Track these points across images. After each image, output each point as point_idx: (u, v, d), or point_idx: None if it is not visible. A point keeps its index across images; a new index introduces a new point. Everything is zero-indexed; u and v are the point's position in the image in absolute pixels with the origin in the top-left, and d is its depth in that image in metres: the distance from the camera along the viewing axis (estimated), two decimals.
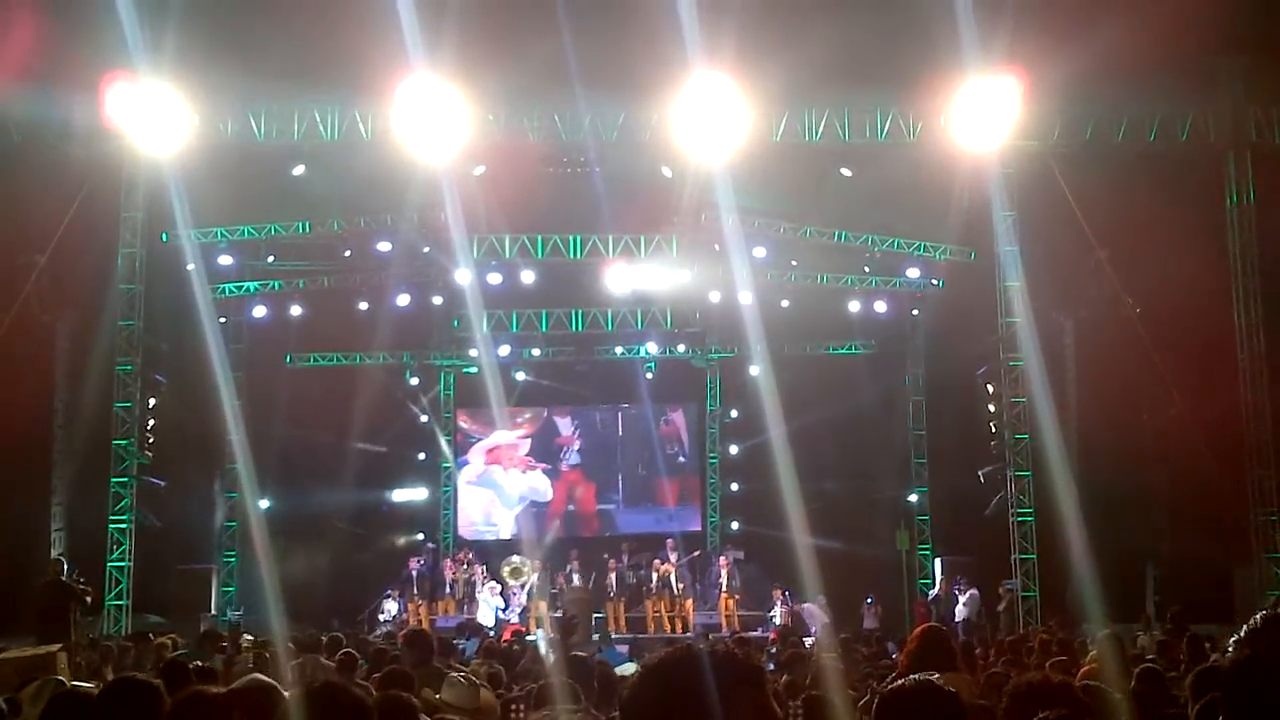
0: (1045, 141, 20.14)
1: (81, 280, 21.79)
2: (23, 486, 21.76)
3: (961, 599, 22.73)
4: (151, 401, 22.68)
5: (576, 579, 25.26)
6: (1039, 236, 21.14)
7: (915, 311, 27.90)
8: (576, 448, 30.67)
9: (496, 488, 30.28)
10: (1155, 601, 20.49)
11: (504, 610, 24.97)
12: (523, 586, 25.47)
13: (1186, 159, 20.48)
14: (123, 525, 19.82)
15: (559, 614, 21.63)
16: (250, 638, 16.08)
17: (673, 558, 26.08)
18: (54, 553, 21.84)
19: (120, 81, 17.94)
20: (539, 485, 30.40)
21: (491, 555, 27.03)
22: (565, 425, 30.77)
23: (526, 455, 30.53)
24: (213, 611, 24.27)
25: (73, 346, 23.00)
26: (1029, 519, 20.56)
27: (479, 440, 30.59)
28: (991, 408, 23.54)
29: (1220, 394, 20.15)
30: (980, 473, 23.87)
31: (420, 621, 23.48)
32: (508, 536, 29.57)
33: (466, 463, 30.45)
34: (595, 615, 24.46)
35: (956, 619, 22.42)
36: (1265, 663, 3.20)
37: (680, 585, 25.56)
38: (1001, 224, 20.83)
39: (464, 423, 30.55)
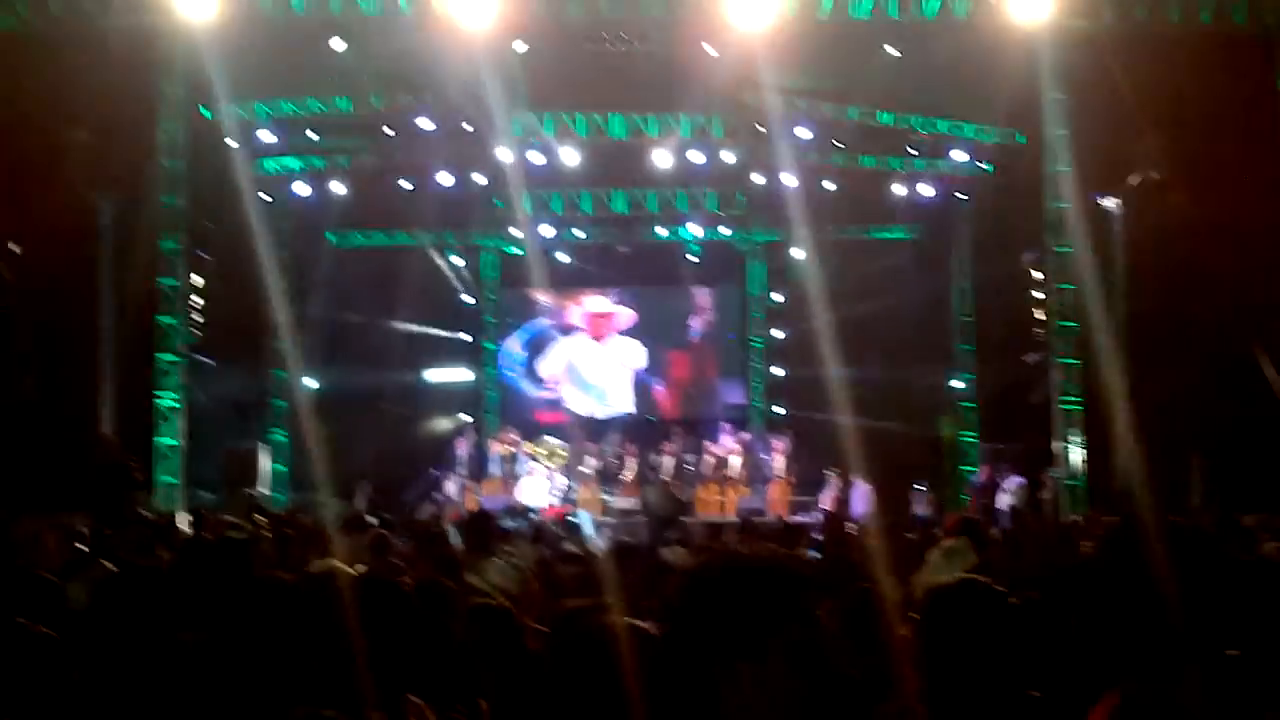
0: (1096, 21, 19.65)
1: (123, 157, 21.74)
2: (70, 365, 21.94)
3: (1007, 487, 22.63)
4: (197, 279, 22.74)
5: (668, 462, 25.40)
6: (1089, 119, 20.71)
7: (961, 195, 27.46)
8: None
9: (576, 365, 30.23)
10: (1203, 491, 20.35)
11: (551, 491, 25.16)
12: (571, 467, 25.60)
13: (1241, 40, 19.93)
14: (171, 402, 19.97)
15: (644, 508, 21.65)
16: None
17: (724, 441, 26.14)
18: (104, 429, 22.11)
19: None
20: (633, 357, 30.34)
21: (537, 434, 27.13)
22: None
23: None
24: (261, 489, 24.54)
25: (116, 224, 23.01)
26: (1076, 407, 20.41)
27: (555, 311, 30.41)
28: (1039, 294, 23.25)
29: (1273, 281, 19.83)
30: (1027, 359, 23.67)
31: (474, 504, 23.74)
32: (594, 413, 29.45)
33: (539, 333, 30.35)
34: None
35: (1000, 506, 22.38)
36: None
37: (739, 469, 25.62)
38: (1051, 106, 20.43)
39: (542, 296, 30.18)
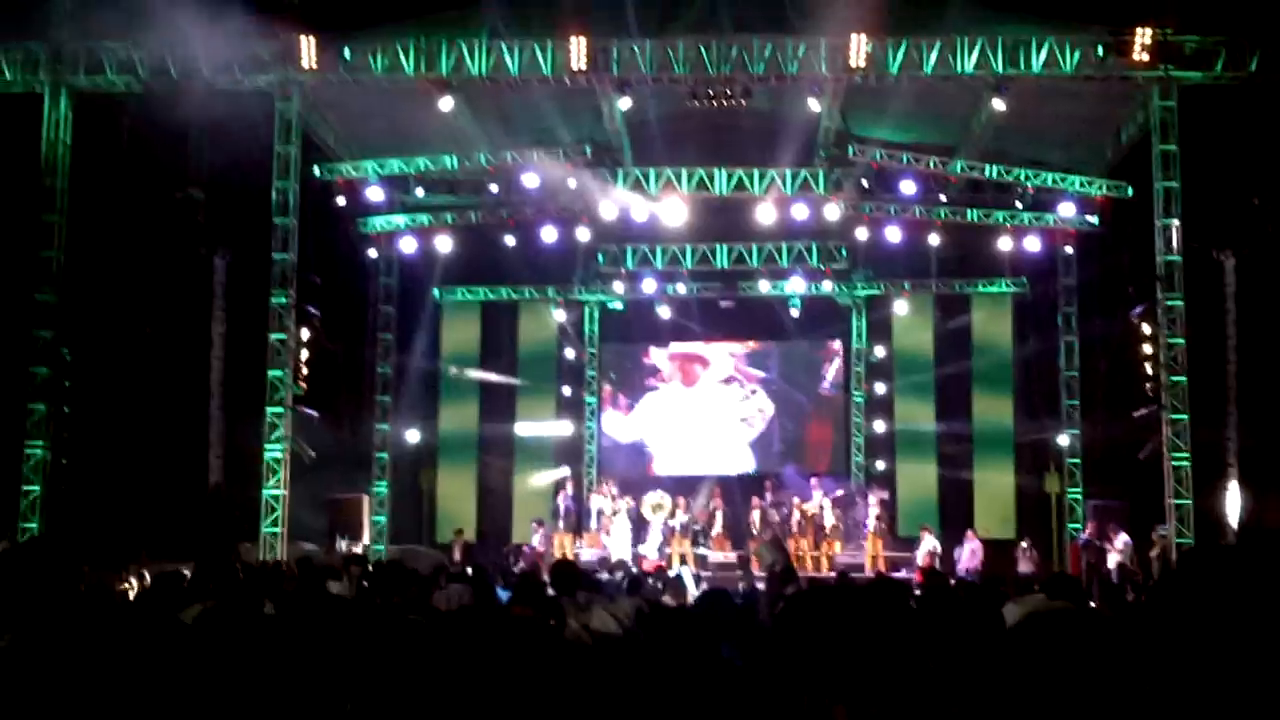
0: (1207, 72, 19.45)
1: (237, 214, 22.31)
2: (181, 416, 22.46)
3: (1115, 544, 22.18)
4: (305, 333, 23.16)
5: (757, 519, 25.36)
6: (1199, 172, 20.43)
7: (1068, 248, 27.14)
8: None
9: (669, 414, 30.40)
10: None
11: (638, 544, 25.13)
12: (667, 521, 25.55)
13: None
14: (277, 454, 20.31)
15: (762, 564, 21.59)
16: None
17: (816, 495, 25.96)
18: (212, 479, 22.57)
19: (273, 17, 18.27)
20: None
21: (638, 489, 27.15)
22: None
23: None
24: (365, 540, 24.86)
25: (229, 279, 23.59)
26: (1185, 463, 19.98)
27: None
28: (1147, 349, 22.86)
29: None
30: (1136, 415, 23.27)
31: (564, 554, 23.82)
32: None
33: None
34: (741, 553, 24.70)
35: (1108, 565, 21.94)
36: None
37: (833, 524, 25.41)
38: (1160, 158, 20.20)
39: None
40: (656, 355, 30.47)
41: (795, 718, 2.28)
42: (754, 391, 30.25)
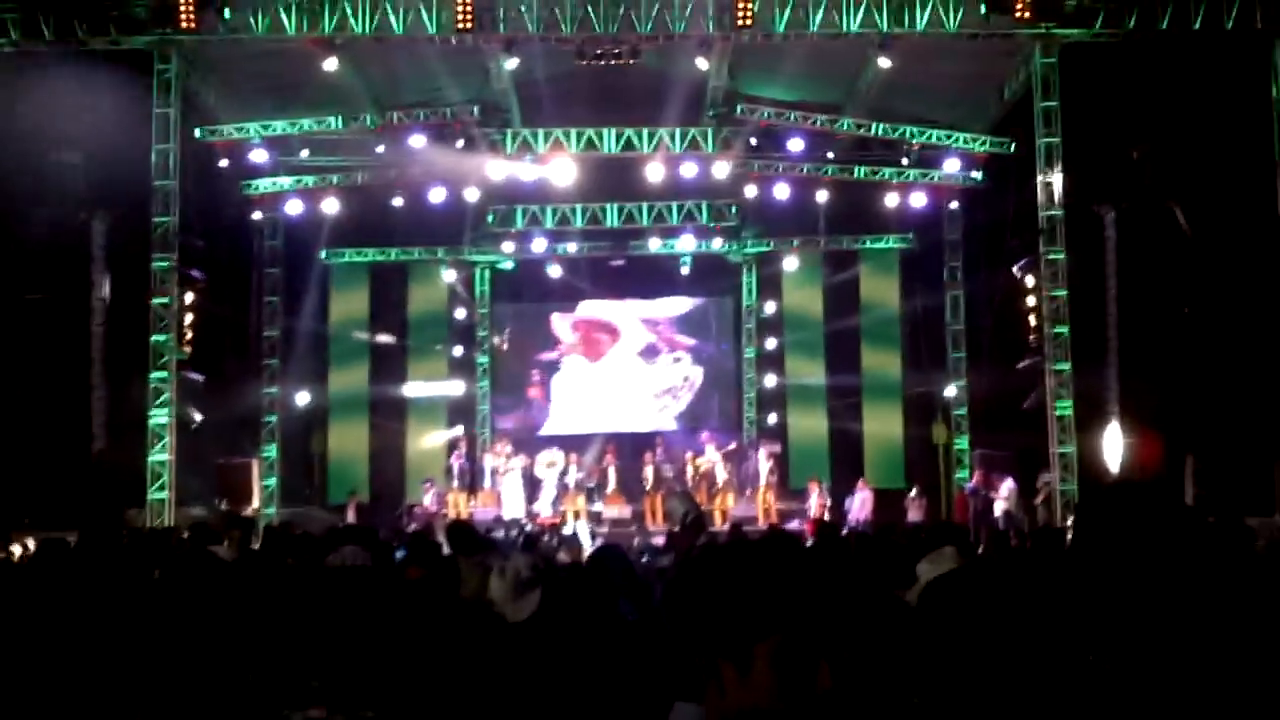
0: (1088, 29, 19.79)
1: (117, 178, 21.80)
2: (63, 384, 21.99)
3: (1000, 492, 22.67)
4: (189, 297, 22.78)
5: (650, 471, 25.58)
6: (1080, 128, 20.82)
7: (954, 204, 27.56)
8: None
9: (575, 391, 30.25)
10: (1195, 495, 20.40)
11: (532, 503, 25.17)
12: (560, 477, 25.60)
13: (1232, 47, 20.04)
14: (162, 420, 20.00)
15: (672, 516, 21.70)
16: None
17: (709, 450, 26.18)
18: (96, 445, 22.16)
19: None
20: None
21: (531, 447, 27.15)
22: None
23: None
24: (254, 504, 24.59)
25: (109, 244, 23.08)
26: (1068, 412, 20.45)
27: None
28: (1031, 301, 23.33)
29: (1263, 288, 19.94)
30: (1019, 366, 23.77)
31: (459, 513, 23.77)
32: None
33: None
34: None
35: (995, 512, 22.43)
36: None
37: (725, 478, 25.63)
38: (1041, 114, 20.57)
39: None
40: (558, 324, 30.22)
41: (691, 673, 2.30)
42: (678, 359, 30.27)
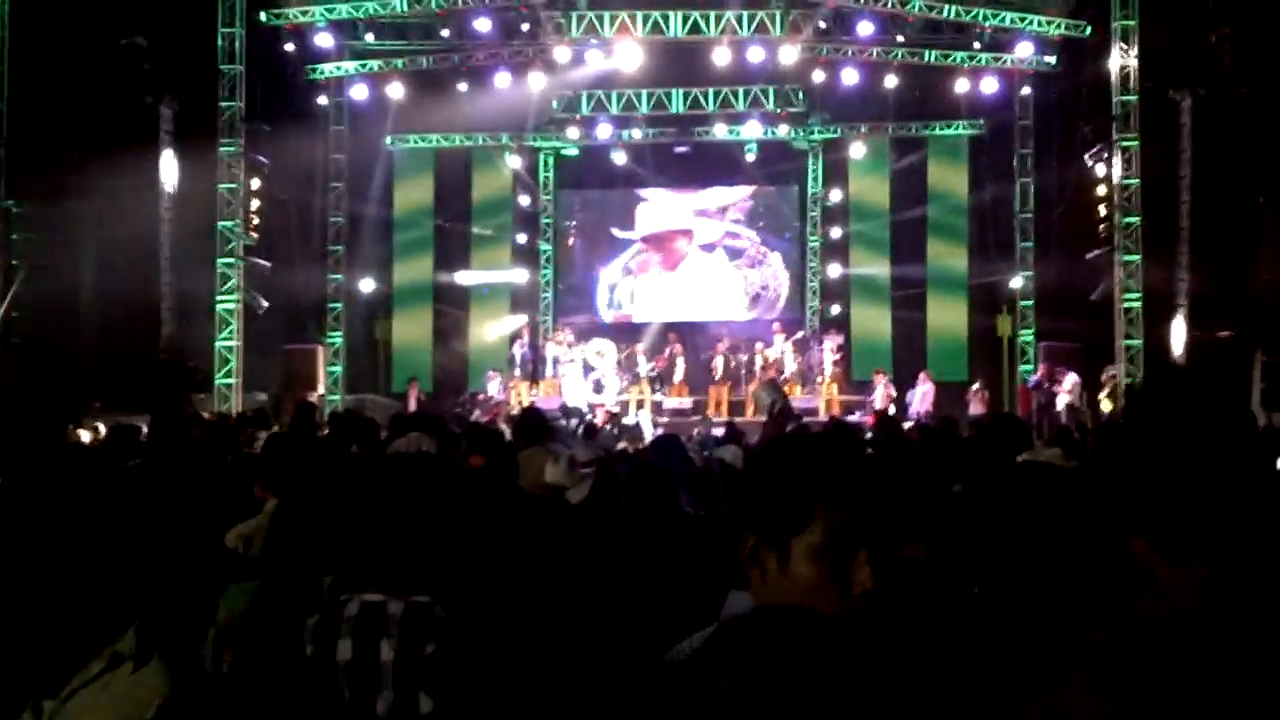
0: None
1: (183, 62, 21.83)
2: (131, 268, 22.25)
3: (1064, 386, 22.46)
4: (255, 183, 22.87)
5: (719, 361, 25.73)
6: (1156, 11, 20.28)
7: (1026, 90, 26.99)
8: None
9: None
10: (1262, 389, 20.12)
11: (595, 390, 25.30)
12: (621, 366, 25.69)
13: None
14: (229, 305, 20.21)
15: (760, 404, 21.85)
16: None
17: (778, 340, 26.14)
18: (164, 331, 22.44)
19: None
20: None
21: (593, 335, 27.21)
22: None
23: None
24: (319, 390, 24.86)
25: (176, 129, 23.17)
26: (1136, 304, 20.18)
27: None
28: (1102, 190, 22.91)
29: None
30: (1089, 256, 23.41)
31: (520, 402, 23.93)
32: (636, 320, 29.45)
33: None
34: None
35: (1058, 406, 22.24)
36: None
37: (793, 369, 25.61)
38: None
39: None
40: (627, 239, 30.03)
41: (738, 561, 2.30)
42: (762, 259, 30.09)
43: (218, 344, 20.01)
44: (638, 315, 29.54)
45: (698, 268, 29.82)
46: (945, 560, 3.14)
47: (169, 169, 22.88)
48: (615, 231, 29.93)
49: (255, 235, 22.55)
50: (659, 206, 29.82)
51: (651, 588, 4.76)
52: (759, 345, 26.21)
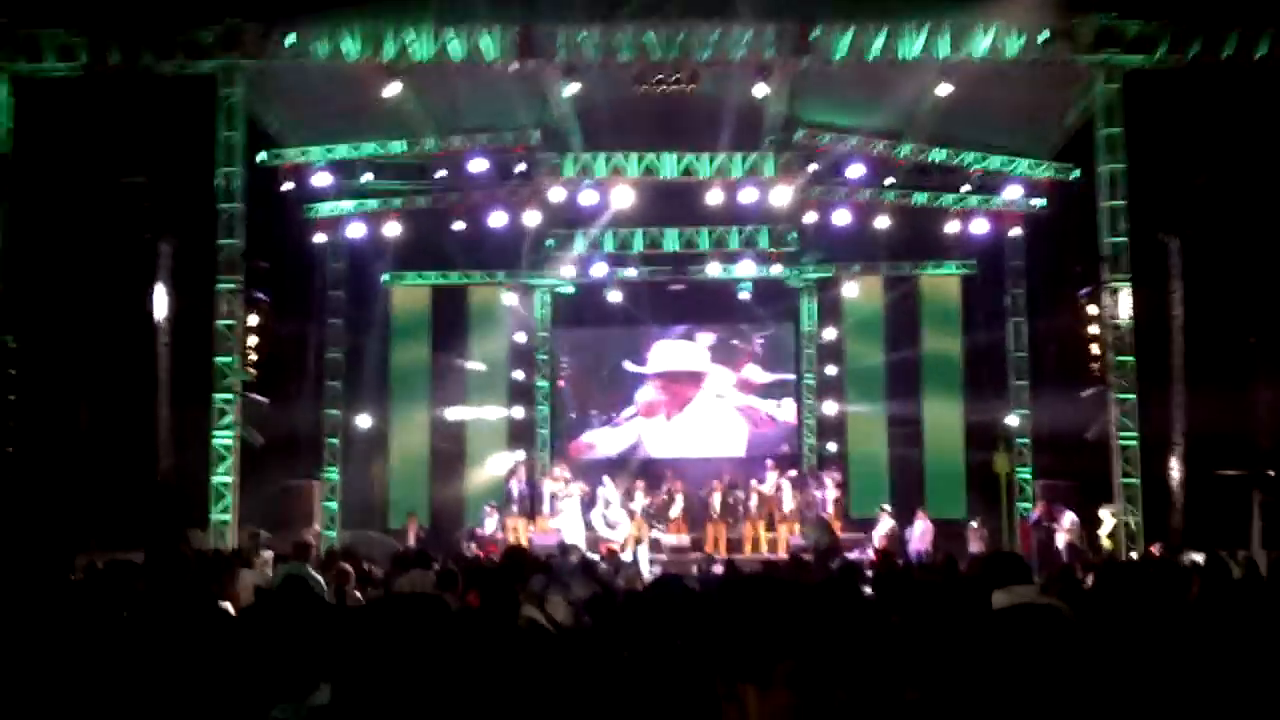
0: (1149, 56, 19.59)
1: (182, 200, 22.10)
2: (128, 405, 22.25)
3: (1062, 524, 22.35)
4: (253, 319, 22.97)
5: (717, 499, 25.57)
6: (1144, 155, 20.59)
7: (1016, 231, 27.34)
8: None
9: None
10: (1261, 528, 20.05)
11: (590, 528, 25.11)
12: (607, 505, 25.58)
13: None
14: (226, 441, 20.16)
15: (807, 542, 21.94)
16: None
17: (771, 477, 26.06)
18: (160, 467, 22.39)
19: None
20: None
21: (591, 472, 27.17)
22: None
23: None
24: (316, 527, 24.72)
25: (174, 266, 23.38)
26: (1133, 443, 20.15)
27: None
28: (1094, 329, 23.06)
29: None
30: (1083, 395, 23.47)
31: (518, 539, 23.77)
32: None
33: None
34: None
35: (1058, 544, 22.13)
36: None
37: (791, 507, 25.51)
38: (1104, 141, 20.34)
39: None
40: (636, 384, 30.36)
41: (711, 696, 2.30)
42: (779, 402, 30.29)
43: (214, 479, 19.91)
44: (641, 452, 29.55)
45: (704, 410, 29.92)
46: (945, 704, 3.11)
47: (162, 304, 23.02)
48: (628, 365, 30.06)
49: (253, 371, 22.59)
50: (674, 344, 30.06)
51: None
52: (753, 482, 26.14)
